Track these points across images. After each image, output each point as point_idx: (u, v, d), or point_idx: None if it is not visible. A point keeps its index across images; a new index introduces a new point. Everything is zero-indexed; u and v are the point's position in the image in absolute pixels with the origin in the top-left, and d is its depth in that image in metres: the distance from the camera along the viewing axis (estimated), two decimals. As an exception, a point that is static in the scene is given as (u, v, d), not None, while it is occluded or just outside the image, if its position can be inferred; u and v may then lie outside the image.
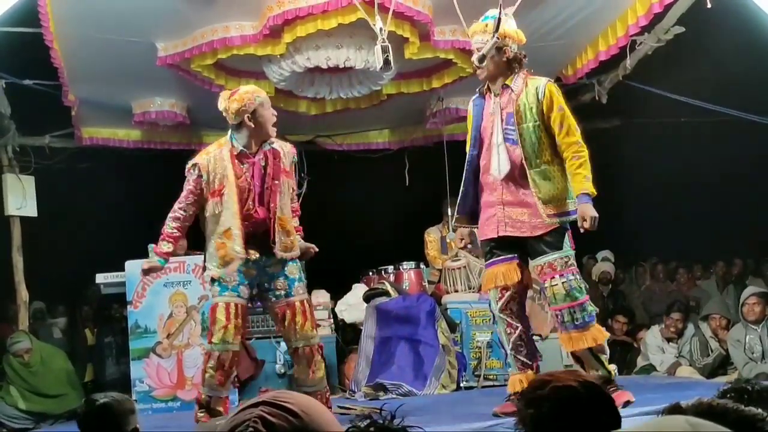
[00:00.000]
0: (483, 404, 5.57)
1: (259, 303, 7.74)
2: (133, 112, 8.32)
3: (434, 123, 8.87)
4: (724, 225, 10.79)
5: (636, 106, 9.41)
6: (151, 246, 5.48)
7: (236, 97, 5.08)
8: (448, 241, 8.28)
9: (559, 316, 4.95)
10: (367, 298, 7.46)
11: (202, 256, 6.59)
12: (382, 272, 7.81)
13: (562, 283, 4.88)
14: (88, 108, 8.34)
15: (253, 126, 5.08)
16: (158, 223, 7.72)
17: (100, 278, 7.31)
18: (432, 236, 8.53)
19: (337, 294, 8.53)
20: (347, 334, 8.24)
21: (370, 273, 7.97)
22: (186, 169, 5.20)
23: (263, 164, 5.14)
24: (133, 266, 6.95)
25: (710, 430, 1.49)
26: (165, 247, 5.19)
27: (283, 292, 5.22)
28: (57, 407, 7.66)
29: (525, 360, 5.10)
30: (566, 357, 7.17)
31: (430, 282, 8.20)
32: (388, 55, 5.13)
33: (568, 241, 4.96)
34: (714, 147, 9.89)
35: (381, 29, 5.35)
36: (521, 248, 5.02)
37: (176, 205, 5.18)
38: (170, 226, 5.18)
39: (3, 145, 8.55)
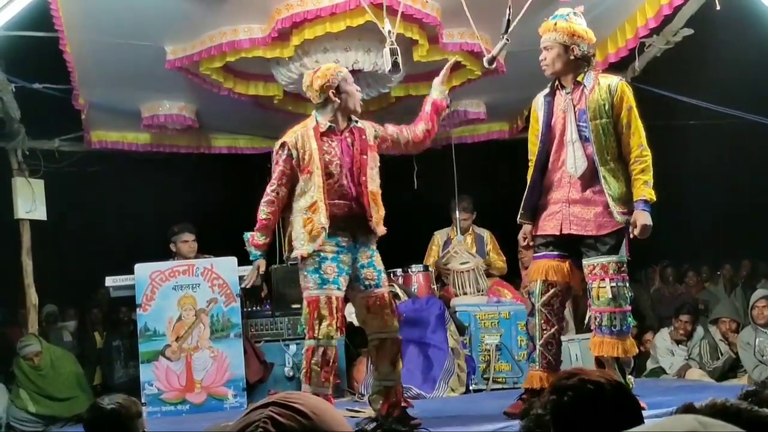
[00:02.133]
0: (492, 407, 5.56)
1: (267, 306, 7.86)
2: (141, 116, 8.34)
3: (443, 126, 8.84)
4: (732, 227, 10.77)
5: (645, 108, 9.34)
6: (247, 235, 5.14)
7: (319, 74, 5.06)
8: (453, 243, 8.27)
9: (598, 319, 4.93)
10: (376, 300, 7.45)
11: (210, 259, 6.62)
12: (391, 275, 7.80)
13: (611, 287, 4.87)
14: (97, 111, 8.36)
15: (338, 101, 5.05)
16: (166, 226, 7.84)
17: (110, 281, 7.32)
18: (437, 239, 8.52)
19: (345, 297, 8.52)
20: (356, 338, 8.23)
21: (379, 276, 7.96)
22: (274, 151, 5.12)
23: (350, 141, 5.11)
24: (142, 269, 6.97)
25: (721, 430, 1.47)
26: (262, 238, 5.08)
27: (372, 282, 5.14)
28: (66, 410, 7.69)
29: (551, 359, 5.07)
30: (579, 361, 7.18)
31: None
32: (396, 58, 5.13)
33: (624, 247, 4.94)
34: (723, 149, 9.88)
35: (390, 32, 5.35)
36: (577, 249, 4.99)
37: (268, 188, 5.04)
38: (264, 212, 5.04)
39: (12, 148, 8.57)
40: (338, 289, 4.99)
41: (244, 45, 6.73)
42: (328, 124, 5.06)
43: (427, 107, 5.40)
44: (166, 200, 9.22)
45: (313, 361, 4.95)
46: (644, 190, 4.77)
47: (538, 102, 5.13)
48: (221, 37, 6.70)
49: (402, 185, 9.74)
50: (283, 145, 5.03)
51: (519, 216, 5.23)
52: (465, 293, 7.66)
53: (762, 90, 8.19)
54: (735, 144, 9.53)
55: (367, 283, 5.14)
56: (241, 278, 7.09)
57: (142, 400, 6.80)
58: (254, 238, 5.09)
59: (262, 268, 5.18)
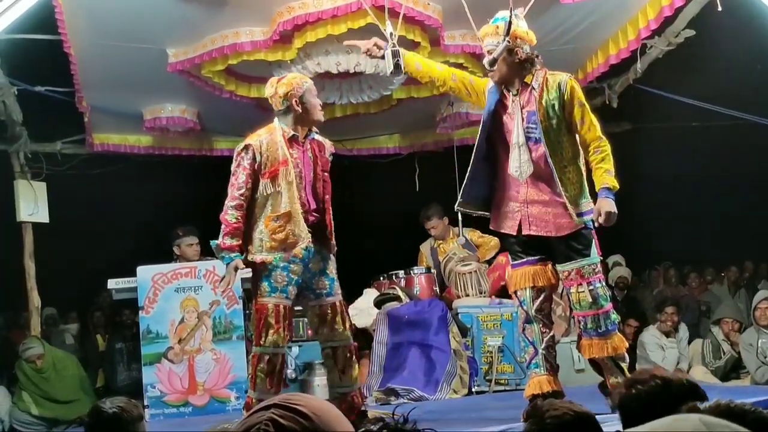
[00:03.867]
0: (494, 409, 5.57)
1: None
2: (144, 118, 8.35)
3: (444, 128, 8.86)
4: (735, 229, 10.76)
5: (647, 109, 9.40)
6: (214, 243, 5.07)
7: (285, 82, 5.11)
8: (452, 247, 8.23)
9: (582, 322, 4.90)
10: (378, 303, 7.46)
11: (212, 261, 6.62)
12: (393, 277, 7.81)
13: (590, 290, 4.82)
14: (99, 114, 8.37)
15: (300, 111, 5.08)
16: (169, 229, 7.84)
17: (112, 284, 7.33)
18: (423, 253, 8.47)
19: (347, 299, 8.52)
20: (358, 340, 8.20)
21: (381, 278, 7.97)
22: (236, 153, 5.11)
23: (311, 154, 5.15)
24: (145, 272, 6.98)
25: (725, 430, 1.48)
26: (234, 240, 5.00)
27: (324, 291, 5.18)
28: (69, 413, 7.68)
29: (553, 363, 5.07)
30: (578, 361, 7.18)
31: None
32: (398, 60, 5.13)
33: (595, 247, 4.89)
34: (725, 151, 9.87)
35: (391, 34, 5.35)
36: (547, 250, 4.95)
37: (235, 192, 5.01)
38: (233, 216, 5.00)
39: (15, 151, 8.58)
40: (287, 298, 5.03)
41: (246, 47, 6.73)
42: (292, 132, 5.10)
43: None
44: (168, 203, 9.23)
45: (258, 368, 4.99)
46: (606, 178, 4.69)
47: (489, 86, 5.03)
48: (223, 39, 6.71)
49: (404, 187, 9.76)
50: (247, 147, 5.04)
51: (457, 204, 5.20)
52: (467, 295, 7.66)
53: (764, 91, 8.18)
54: (737, 145, 9.52)
55: (318, 291, 5.19)
56: (243, 280, 7.11)
57: (145, 403, 6.82)
58: (225, 242, 5.00)
59: (241, 266, 5.05)
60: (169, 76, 7.25)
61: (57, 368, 8.05)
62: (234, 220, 4.99)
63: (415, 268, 7.91)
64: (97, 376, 9.08)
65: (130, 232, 9.56)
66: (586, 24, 7.03)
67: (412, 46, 6.66)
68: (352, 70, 6.81)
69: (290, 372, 7.50)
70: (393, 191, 9.82)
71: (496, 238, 7.96)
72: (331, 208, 5.25)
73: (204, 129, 8.82)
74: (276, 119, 5.18)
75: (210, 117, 8.60)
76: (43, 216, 8.74)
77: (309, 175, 5.13)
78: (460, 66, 7.34)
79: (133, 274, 7.04)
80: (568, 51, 7.49)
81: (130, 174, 9.59)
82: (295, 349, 7.55)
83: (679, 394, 2.20)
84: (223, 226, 5.03)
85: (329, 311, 5.18)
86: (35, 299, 8.59)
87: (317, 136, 5.25)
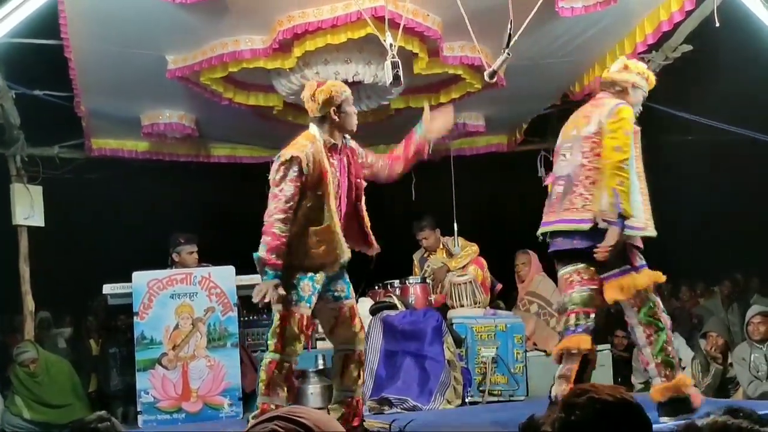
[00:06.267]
0: (487, 419, 5.57)
1: (264, 315, 7.86)
2: (141, 124, 8.35)
3: (442, 138, 8.87)
4: (728, 243, 10.80)
5: (643, 123, 9.40)
6: (257, 255, 4.83)
7: (324, 89, 5.04)
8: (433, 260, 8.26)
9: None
10: (374, 311, 7.46)
11: (208, 268, 6.62)
12: (388, 286, 7.81)
13: None
14: (97, 119, 8.37)
15: (337, 120, 5.07)
16: (165, 235, 7.84)
17: (107, 289, 7.33)
18: (416, 262, 8.49)
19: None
20: (352, 348, 8.22)
21: (376, 287, 7.97)
22: (279, 164, 4.91)
23: (346, 162, 5.15)
24: (140, 277, 6.98)
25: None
26: (280, 259, 4.82)
27: (343, 294, 5.19)
28: (61, 417, 7.68)
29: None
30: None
31: None
32: (398, 71, 5.15)
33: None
34: (721, 165, 9.91)
35: (391, 45, 5.37)
36: None
37: (282, 205, 4.83)
38: (281, 229, 4.82)
39: (12, 155, 8.58)
40: (309, 307, 5.02)
41: (246, 55, 6.74)
42: (332, 141, 5.08)
43: (411, 149, 5.41)
44: (164, 208, 9.24)
45: (276, 375, 4.96)
46: None
47: None
48: (222, 47, 6.72)
49: (400, 197, 9.77)
50: (292, 159, 4.88)
51: None
52: (462, 305, 7.66)
53: (761, 106, 8.22)
54: (733, 160, 9.56)
55: (337, 294, 5.19)
56: (238, 287, 7.12)
57: (138, 408, 6.82)
58: (272, 259, 4.81)
59: (280, 287, 4.83)
60: (168, 83, 7.26)
61: (50, 373, 8.04)
62: (281, 233, 4.82)
63: (411, 277, 7.92)
64: (89, 381, 9.06)
65: (125, 237, 9.56)
66: (584, 37, 7.06)
67: (411, 56, 6.69)
68: (350, 80, 6.82)
69: (284, 380, 7.50)
70: (389, 200, 9.83)
71: (475, 246, 8.10)
72: (365, 212, 5.28)
73: (201, 135, 8.82)
74: (312, 126, 5.13)
75: (208, 123, 8.60)
76: (38, 220, 8.73)
77: (345, 183, 5.13)
78: (458, 77, 7.37)
79: (129, 279, 7.04)
80: (566, 64, 7.53)
81: (126, 179, 9.61)
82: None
83: (620, 419, 2.12)
84: (268, 239, 4.83)
85: (348, 313, 5.21)
86: (29, 303, 8.57)
87: (351, 142, 5.26)
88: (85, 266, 9.41)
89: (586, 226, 4.98)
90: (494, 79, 5.34)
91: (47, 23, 6.42)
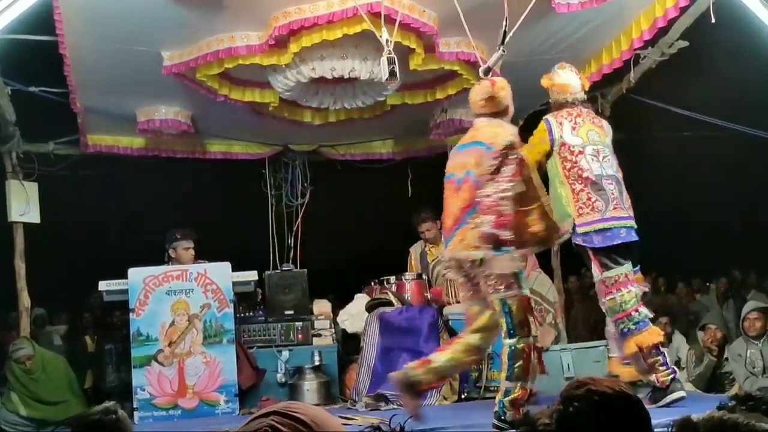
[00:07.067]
0: (484, 415, 5.56)
1: (261, 312, 7.86)
2: (137, 120, 8.33)
3: (438, 134, 8.88)
4: (724, 238, 10.81)
5: (639, 119, 9.43)
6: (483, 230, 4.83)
7: (503, 85, 5.24)
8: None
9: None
10: (370, 308, 7.46)
11: (204, 264, 6.60)
12: (384, 283, 7.81)
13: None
14: (93, 115, 8.35)
15: (507, 116, 5.27)
16: (161, 231, 7.83)
17: (103, 285, 7.33)
18: (412, 255, 8.47)
19: (339, 304, 8.54)
20: (348, 345, 8.24)
21: (372, 283, 7.97)
22: (499, 150, 4.93)
23: None
24: (136, 273, 6.98)
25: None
26: (511, 235, 4.86)
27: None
28: (58, 414, 7.66)
29: None
30: (567, 369, 7.20)
31: None
32: (394, 67, 5.14)
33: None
34: (716, 161, 9.91)
35: (387, 40, 5.37)
36: None
37: (508, 184, 4.87)
38: (507, 207, 4.85)
39: (7, 151, 8.56)
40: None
41: (241, 52, 6.73)
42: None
43: None
44: (160, 205, 9.22)
45: (533, 357, 4.94)
46: None
47: None
48: (218, 43, 6.71)
49: (397, 193, 9.77)
50: (512, 145, 4.97)
51: None
52: (458, 301, 7.65)
53: (757, 103, 8.23)
54: (729, 156, 9.57)
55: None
56: (234, 284, 7.12)
57: (134, 405, 6.82)
58: (505, 235, 4.83)
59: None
60: (164, 79, 7.24)
61: (46, 369, 8.03)
62: (509, 211, 4.84)
63: (407, 273, 7.91)
64: (85, 378, 9.04)
65: (121, 233, 9.54)
66: (580, 33, 7.06)
67: (407, 52, 6.68)
68: (346, 76, 6.82)
69: (280, 376, 7.51)
70: (386, 196, 9.84)
71: None
72: None
73: (197, 131, 8.80)
74: (497, 119, 5.24)
75: (203, 120, 8.59)
76: (34, 216, 8.71)
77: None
78: (454, 73, 7.37)
79: (125, 275, 7.03)
80: (561, 60, 7.52)
81: (122, 175, 9.58)
82: (286, 354, 7.56)
83: (619, 412, 2.12)
84: (495, 218, 4.82)
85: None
86: (25, 300, 8.55)
87: None
88: (81, 263, 9.39)
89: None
90: (489, 75, 5.33)
91: (43, 20, 6.40)
